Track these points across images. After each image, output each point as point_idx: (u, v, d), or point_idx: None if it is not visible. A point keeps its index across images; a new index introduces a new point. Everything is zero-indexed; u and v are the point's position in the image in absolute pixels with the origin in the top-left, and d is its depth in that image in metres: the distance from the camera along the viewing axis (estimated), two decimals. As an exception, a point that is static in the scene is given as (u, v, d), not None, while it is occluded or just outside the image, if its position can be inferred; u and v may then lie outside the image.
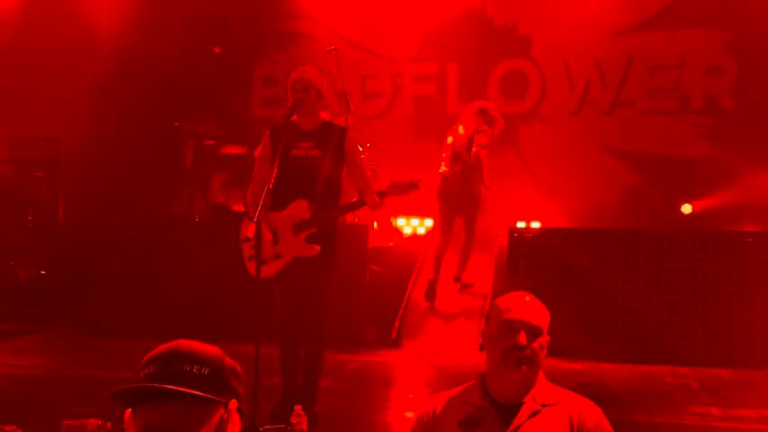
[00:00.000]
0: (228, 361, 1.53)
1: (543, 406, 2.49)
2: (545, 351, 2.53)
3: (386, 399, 5.88)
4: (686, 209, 8.82)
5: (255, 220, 4.51)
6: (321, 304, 4.97)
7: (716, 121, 9.92)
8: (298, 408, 4.22)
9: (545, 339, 2.54)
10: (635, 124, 10.24)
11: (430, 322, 7.65)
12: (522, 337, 2.47)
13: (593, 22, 9.91)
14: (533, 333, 2.50)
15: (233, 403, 1.50)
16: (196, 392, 1.42)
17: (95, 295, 8.07)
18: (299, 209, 4.86)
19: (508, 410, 2.49)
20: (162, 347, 1.50)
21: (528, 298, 2.58)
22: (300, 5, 10.81)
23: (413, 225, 9.58)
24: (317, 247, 4.83)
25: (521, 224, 8.75)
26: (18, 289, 8.40)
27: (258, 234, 4.52)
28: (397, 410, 5.54)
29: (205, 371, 1.46)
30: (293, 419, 4.15)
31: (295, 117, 4.93)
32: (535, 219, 9.27)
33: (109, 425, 4.45)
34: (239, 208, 8.30)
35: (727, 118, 9.86)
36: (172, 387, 1.41)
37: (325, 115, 5.24)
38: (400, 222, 9.54)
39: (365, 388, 6.07)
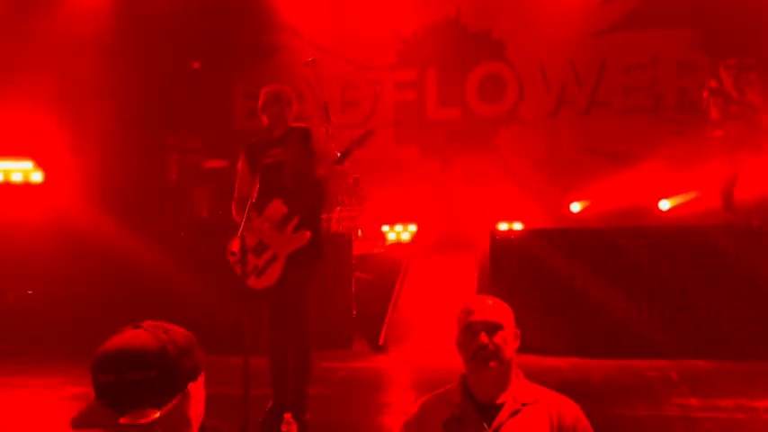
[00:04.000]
0: (175, 346, 1.60)
1: (523, 405, 2.58)
2: (512, 344, 2.62)
3: (374, 404, 5.96)
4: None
5: (239, 234, 4.62)
6: (307, 306, 5.06)
7: (690, 117, 10.11)
8: (287, 416, 4.31)
9: (508, 333, 2.61)
10: (611, 123, 10.41)
11: (416, 327, 7.76)
12: (483, 337, 2.58)
13: (565, 24, 10.09)
14: (493, 329, 2.59)
15: (192, 386, 1.62)
16: (150, 419, 1.51)
17: (84, 314, 8.13)
18: (276, 208, 4.99)
19: (489, 410, 2.58)
20: (110, 347, 1.59)
21: (490, 301, 2.68)
22: (278, 18, 10.91)
23: (396, 231, 9.68)
24: (308, 233, 4.94)
25: (502, 225, 8.87)
26: (7, 310, 8.45)
27: (243, 247, 4.63)
28: (386, 415, 5.64)
29: (152, 374, 1.54)
30: (284, 428, 4.24)
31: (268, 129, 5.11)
32: (516, 220, 9.42)
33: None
34: (223, 221, 8.38)
35: (700, 114, 10.03)
36: (126, 423, 1.50)
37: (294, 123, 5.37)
38: (384, 229, 9.66)
39: (354, 394, 6.15)
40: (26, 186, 9.17)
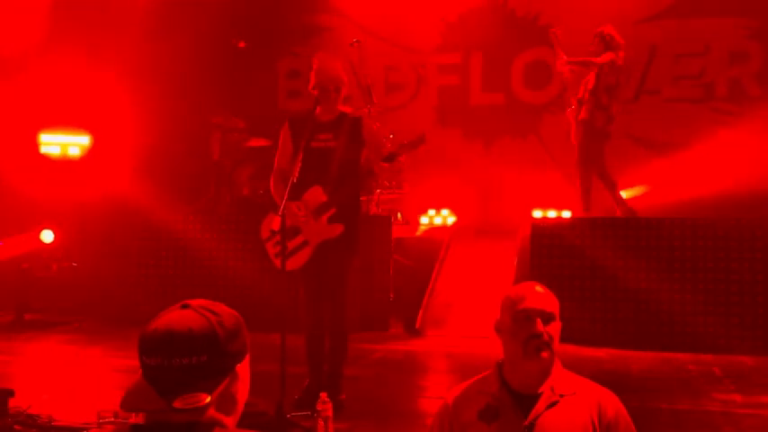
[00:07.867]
0: (223, 328, 1.57)
1: (561, 396, 2.49)
2: (558, 337, 2.56)
3: (410, 387, 5.97)
4: None
5: (280, 213, 4.63)
6: (344, 290, 5.07)
7: (741, 108, 9.86)
8: (323, 395, 4.31)
9: (558, 325, 2.55)
10: (659, 112, 10.19)
11: (453, 312, 7.73)
12: (539, 325, 2.49)
13: (615, 10, 9.84)
14: (548, 319, 2.52)
15: (239, 367, 1.61)
16: (201, 404, 1.50)
17: (126, 287, 8.28)
18: (315, 194, 4.99)
19: (526, 400, 2.50)
20: (158, 328, 1.55)
21: (538, 287, 2.60)
22: (324, -1, 10.92)
23: (436, 216, 9.64)
24: (341, 226, 4.95)
25: (542, 212, 8.76)
26: (51, 281, 8.62)
27: (284, 227, 4.63)
28: (421, 398, 5.64)
29: (203, 359, 1.53)
30: (319, 406, 4.24)
31: (317, 110, 5.06)
32: (557, 207, 9.29)
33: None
34: (265, 201, 8.44)
35: (752, 105, 9.79)
36: (179, 407, 1.49)
37: (344, 108, 5.34)
38: (430, 214, 9.62)
39: (389, 376, 6.16)
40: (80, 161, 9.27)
